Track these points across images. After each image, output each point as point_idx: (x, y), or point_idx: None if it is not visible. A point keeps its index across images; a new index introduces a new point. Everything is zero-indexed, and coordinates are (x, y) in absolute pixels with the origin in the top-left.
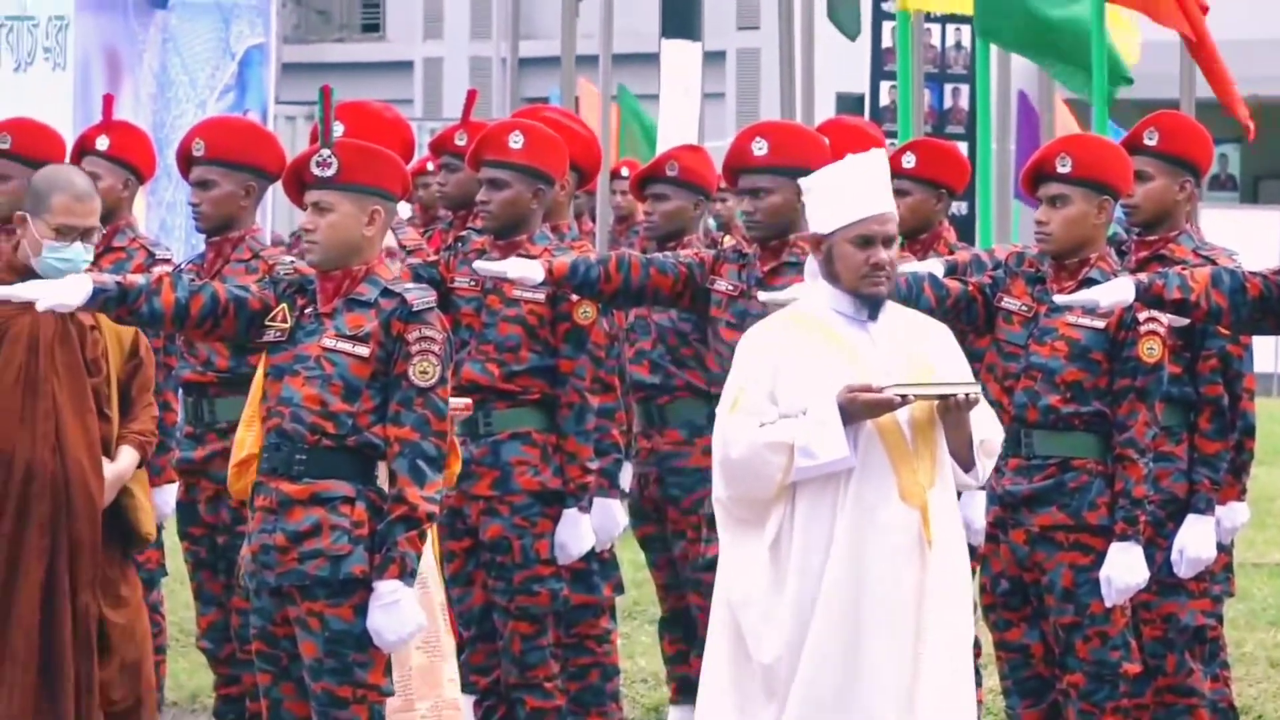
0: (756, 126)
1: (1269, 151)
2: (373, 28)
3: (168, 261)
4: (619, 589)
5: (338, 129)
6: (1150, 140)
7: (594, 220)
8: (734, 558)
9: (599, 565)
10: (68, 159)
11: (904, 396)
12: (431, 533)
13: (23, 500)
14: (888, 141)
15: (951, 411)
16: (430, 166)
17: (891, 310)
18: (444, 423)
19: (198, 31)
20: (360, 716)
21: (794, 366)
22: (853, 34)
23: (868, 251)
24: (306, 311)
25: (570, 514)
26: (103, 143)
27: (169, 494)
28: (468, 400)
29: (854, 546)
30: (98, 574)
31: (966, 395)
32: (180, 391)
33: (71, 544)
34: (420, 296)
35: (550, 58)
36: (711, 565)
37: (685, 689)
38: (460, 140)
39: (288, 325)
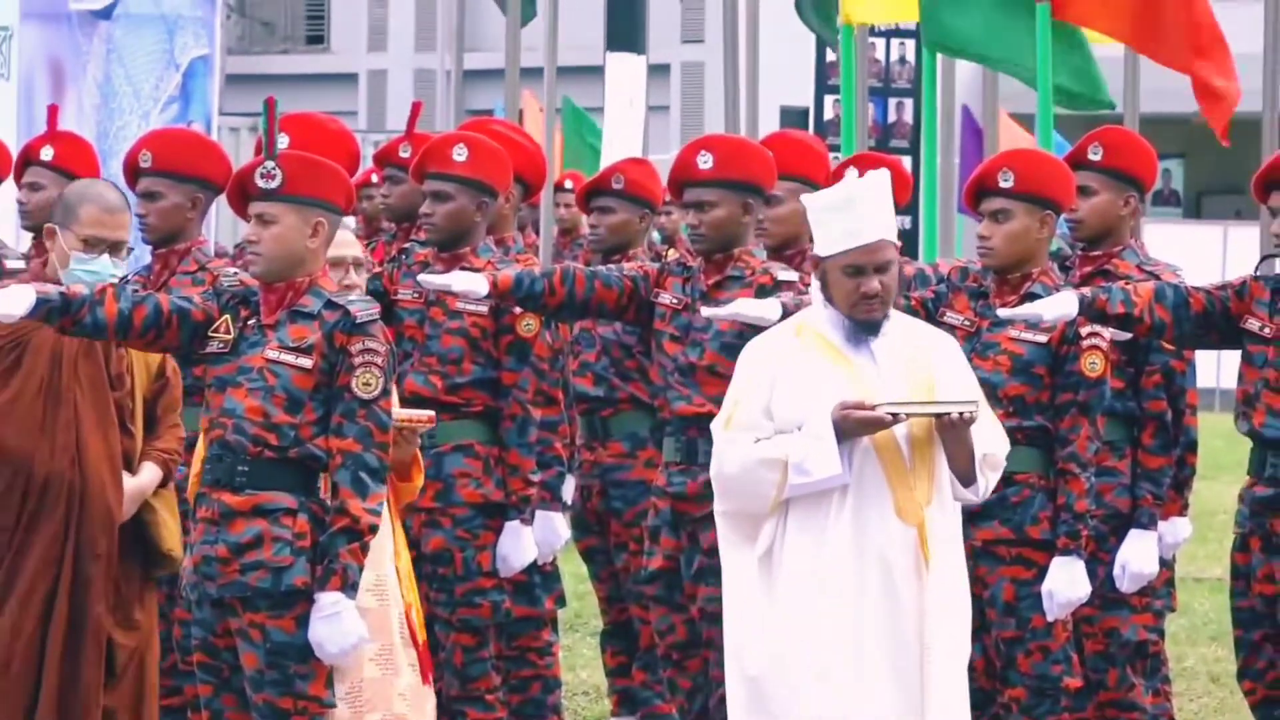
0: (702, 140)
1: (1212, 167)
2: (317, 39)
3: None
4: (561, 601)
5: (282, 141)
6: (1095, 155)
7: (537, 233)
8: (731, 572)
9: (541, 578)
10: (12, 169)
11: (895, 415)
12: (398, 543)
13: (36, 510)
14: (831, 156)
15: (949, 429)
16: (374, 178)
17: (895, 324)
18: (387, 435)
19: (142, 43)
20: None
21: (791, 379)
22: (832, 41)
23: (857, 281)
24: (250, 323)
25: (512, 526)
26: (47, 153)
27: None
28: (430, 413)
29: (848, 563)
30: (111, 589)
31: (961, 414)
32: None
33: (85, 556)
34: (363, 308)
35: (495, 70)
36: (653, 578)
37: (627, 701)
38: (405, 152)
39: (231, 337)
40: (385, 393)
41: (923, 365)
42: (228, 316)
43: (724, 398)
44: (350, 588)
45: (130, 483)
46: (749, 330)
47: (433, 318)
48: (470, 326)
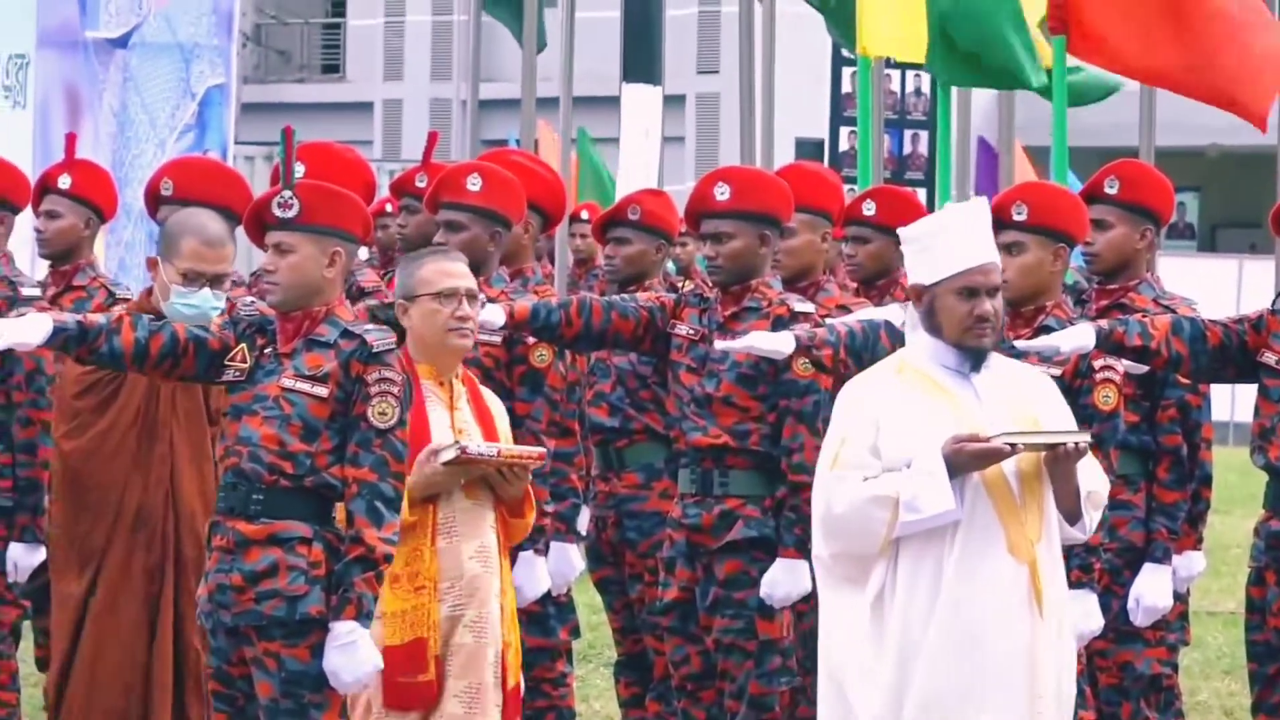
0: (719, 171)
1: (1227, 200)
2: (333, 69)
3: (128, 300)
4: (575, 632)
5: (298, 170)
6: (1111, 189)
7: (553, 263)
8: (834, 616)
9: (555, 609)
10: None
11: (1013, 445)
12: (504, 581)
13: (129, 544)
14: (846, 188)
15: (1060, 462)
16: (390, 208)
17: (995, 362)
18: (402, 464)
19: (158, 71)
20: None
21: (896, 418)
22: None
23: (971, 303)
24: (266, 351)
25: (526, 556)
26: (64, 181)
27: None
28: (541, 450)
29: (961, 603)
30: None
31: (1076, 444)
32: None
33: (181, 591)
34: (380, 338)
35: (510, 100)
36: (667, 610)
37: None
38: (421, 182)
39: (247, 365)
40: (401, 422)
41: (1024, 401)
42: (244, 345)
43: (738, 428)
44: (365, 616)
45: None
46: (764, 362)
47: None
48: (483, 357)
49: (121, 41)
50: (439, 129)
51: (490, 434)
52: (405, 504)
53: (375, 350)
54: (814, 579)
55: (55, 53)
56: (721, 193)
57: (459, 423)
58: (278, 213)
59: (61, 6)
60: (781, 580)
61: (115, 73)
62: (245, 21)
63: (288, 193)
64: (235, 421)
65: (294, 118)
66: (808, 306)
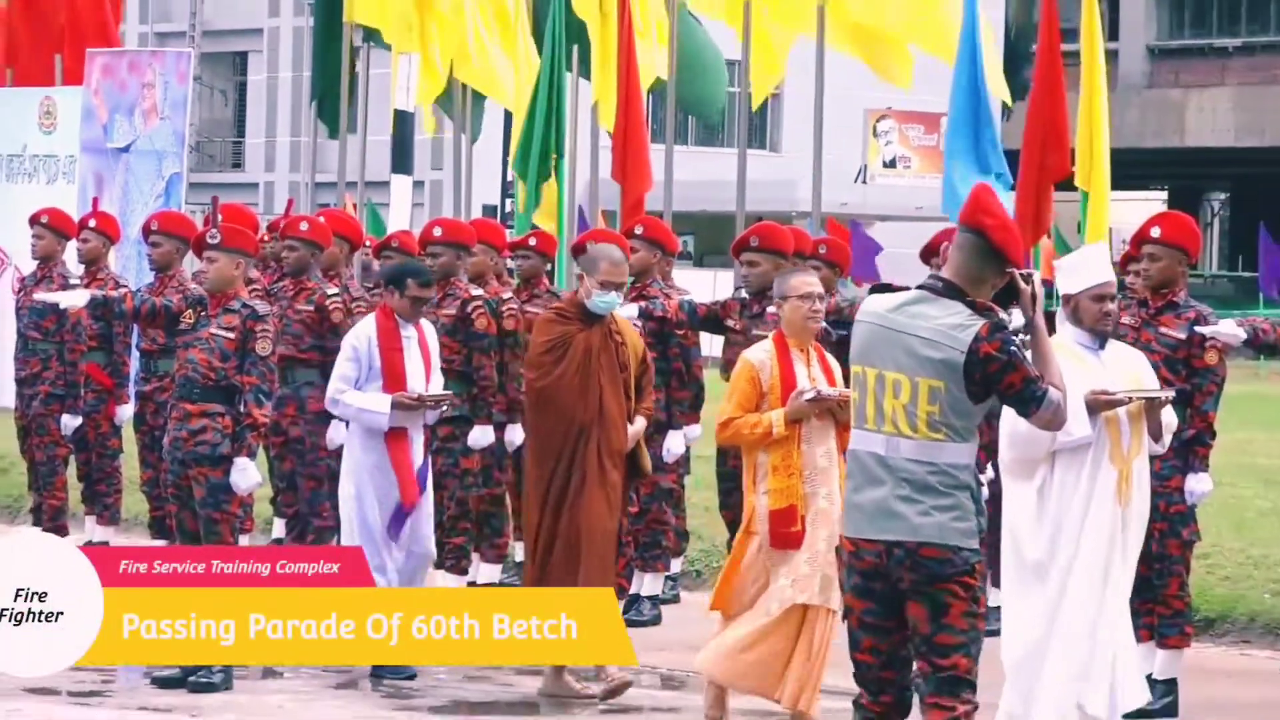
0: (435, 221)
1: (709, 239)
2: (238, 164)
3: (126, 287)
4: None
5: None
6: (639, 230)
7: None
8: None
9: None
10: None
11: (1129, 398)
12: (840, 470)
13: (577, 444)
14: (510, 233)
15: (1154, 408)
16: (265, 238)
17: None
18: (274, 375)
19: (145, 165)
20: (225, 529)
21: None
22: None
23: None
24: (203, 314)
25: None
26: (91, 223)
27: (128, 409)
28: (847, 391)
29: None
30: (619, 496)
31: (1164, 398)
32: (138, 353)
33: (608, 469)
34: (263, 308)
35: (331, 182)
36: None
37: None
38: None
39: (193, 321)
40: (274, 353)
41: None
42: (191, 310)
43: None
44: (250, 454)
45: (630, 430)
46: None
47: (287, 315)
48: (295, 324)
49: (125, 149)
50: (293, 199)
51: (831, 380)
52: (781, 422)
53: (259, 314)
54: None
55: (90, 155)
56: (437, 231)
57: (813, 374)
58: (210, 241)
59: (92, 128)
60: None
61: (121, 167)
62: (191, 138)
63: (215, 230)
64: (185, 351)
65: (218, 191)
66: (477, 291)
